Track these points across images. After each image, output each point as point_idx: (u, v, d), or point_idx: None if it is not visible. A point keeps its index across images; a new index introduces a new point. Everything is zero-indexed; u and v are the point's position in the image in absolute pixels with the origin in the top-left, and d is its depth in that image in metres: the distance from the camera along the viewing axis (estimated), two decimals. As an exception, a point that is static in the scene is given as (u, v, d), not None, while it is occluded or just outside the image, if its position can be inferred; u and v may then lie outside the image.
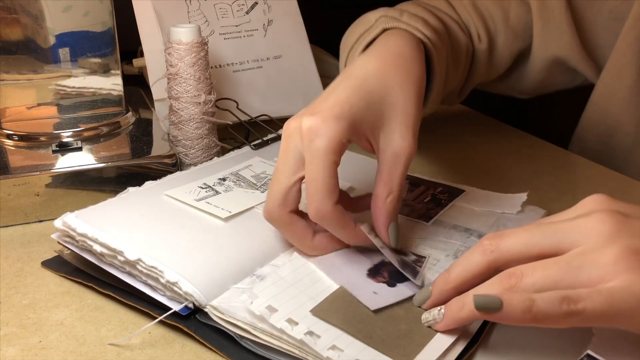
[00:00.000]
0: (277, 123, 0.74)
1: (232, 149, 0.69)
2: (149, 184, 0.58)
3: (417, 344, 0.40)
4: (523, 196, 0.59)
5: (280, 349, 0.40)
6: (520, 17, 0.80)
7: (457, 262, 0.42)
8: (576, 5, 0.79)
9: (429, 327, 0.42)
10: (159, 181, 0.59)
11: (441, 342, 0.41)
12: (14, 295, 0.49)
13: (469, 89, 0.83)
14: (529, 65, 0.83)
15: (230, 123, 0.74)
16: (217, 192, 0.56)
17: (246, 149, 0.68)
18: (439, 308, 0.41)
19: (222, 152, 0.71)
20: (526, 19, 0.80)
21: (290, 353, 0.40)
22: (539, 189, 0.68)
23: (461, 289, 0.41)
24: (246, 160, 0.64)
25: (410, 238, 0.52)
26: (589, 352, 0.41)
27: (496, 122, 0.89)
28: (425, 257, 0.49)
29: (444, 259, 0.50)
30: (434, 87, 0.67)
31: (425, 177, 0.64)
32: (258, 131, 0.72)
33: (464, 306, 0.40)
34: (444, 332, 0.42)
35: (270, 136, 0.71)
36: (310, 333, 0.40)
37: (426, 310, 0.43)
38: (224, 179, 0.59)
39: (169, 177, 0.60)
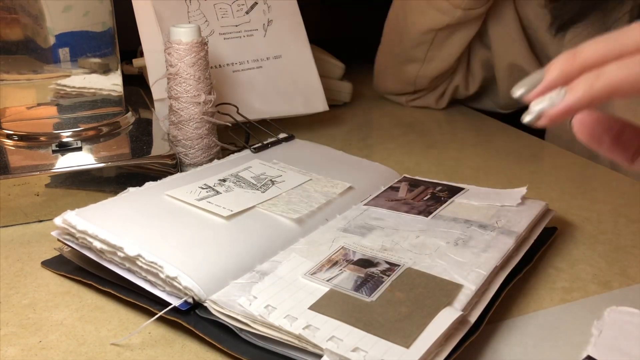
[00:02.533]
0: (276, 127, 0.74)
1: (233, 152, 0.69)
2: (149, 184, 0.58)
3: (417, 325, 0.40)
4: (523, 190, 0.59)
5: (280, 340, 0.40)
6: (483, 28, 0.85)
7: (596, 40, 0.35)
8: (523, 15, 0.80)
9: (537, 118, 0.34)
10: (159, 182, 0.59)
11: (442, 322, 0.41)
12: (14, 295, 0.49)
13: (449, 91, 0.87)
14: (497, 77, 0.86)
15: (230, 124, 0.74)
16: (217, 192, 0.56)
17: (246, 152, 0.68)
18: (558, 89, 0.34)
19: (222, 153, 0.71)
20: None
21: (290, 343, 0.40)
22: (539, 189, 0.68)
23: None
24: (246, 163, 0.64)
25: (409, 231, 0.52)
26: (589, 354, 0.41)
27: (496, 122, 0.89)
28: (399, 266, 0.47)
29: (445, 246, 0.50)
30: None
31: (424, 178, 0.64)
32: (258, 134, 0.72)
33: (599, 77, 0.32)
34: (443, 315, 0.41)
35: (270, 140, 0.71)
36: (309, 327, 0.40)
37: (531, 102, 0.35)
38: (224, 180, 0.59)
39: (169, 178, 0.60)
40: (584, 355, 0.41)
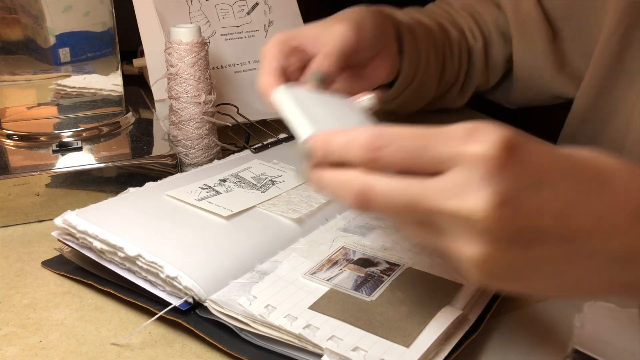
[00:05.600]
0: (276, 127, 0.74)
1: (233, 153, 0.69)
2: (149, 184, 0.58)
3: (417, 324, 0.40)
4: None
5: (280, 339, 0.40)
6: (507, 24, 0.82)
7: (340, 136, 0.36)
8: (552, 18, 0.80)
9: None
10: (159, 182, 0.59)
11: (442, 321, 0.41)
12: (14, 295, 0.49)
13: (470, 89, 0.85)
14: (513, 75, 0.85)
15: (230, 125, 0.74)
16: (217, 192, 0.56)
17: (246, 152, 0.68)
18: None
19: (222, 153, 0.70)
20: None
21: (290, 343, 0.40)
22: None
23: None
24: (246, 163, 0.64)
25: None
26: (576, 347, 0.41)
27: (497, 122, 0.89)
28: (399, 265, 0.47)
29: None
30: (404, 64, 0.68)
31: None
32: (258, 134, 0.72)
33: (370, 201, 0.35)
34: (443, 314, 0.41)
35: (270, 140, 0.71)
36: (309, 326, 0.40)
37: None
38: (224, 180, 0.59)
39: (169, 178, 0.60)
40: (570, 349, 0.41)
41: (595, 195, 0.34)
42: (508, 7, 0.82)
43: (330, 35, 0.54)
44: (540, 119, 0.86)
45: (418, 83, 0.74)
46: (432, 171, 0.33)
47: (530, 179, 0.32)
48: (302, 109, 0.42)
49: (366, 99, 0.49)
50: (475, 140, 0.32)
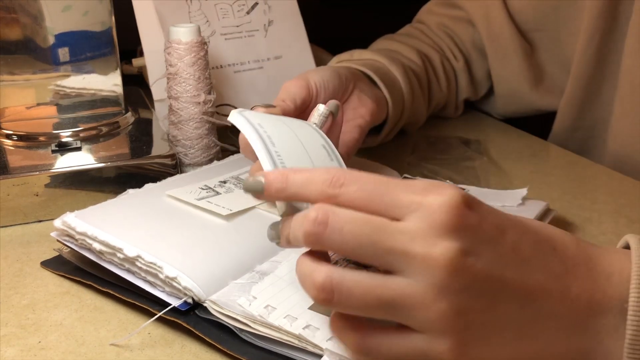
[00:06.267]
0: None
1: (233, 153, 0.69)
2: (148, 186, 0.58)
3: None
4: (523, 191, 0.59)
5: (280, 340, 0.40)
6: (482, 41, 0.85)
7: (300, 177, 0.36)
8: (525, 31, 0.82)
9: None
10: (158, 183, 0.59)
11: None
12: (13, 295, 0.49)
13: (460, 102, 0.88)
14: (494, 90, 0.88)
15: (230, 125, 0.73)
16: (218, 193, 0.56)
17: (246, 151, 0.68)
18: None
19: (222, 153, 0.70)
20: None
21: (290, 343, 0.40)
22: (540, 189, 0.67)
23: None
24: (246, 165, 0.64)
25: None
26: None
27: (496, 122, 0.89)
28: None
29: None
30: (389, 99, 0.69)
31: (425, 178, 0.64)
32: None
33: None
34: None
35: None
36: (309, 327, 0.40)
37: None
38: (224, 182, 0.59)
39: (169, 179, 0.60)
40: None
41: (549, 256, 0.35)
42: (481, 25, 0.83)
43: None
44: (531, 126, 0.87)
45: (408, 116, 0.76)
46: (389, 216, 0.33)
47: (488, 231, 0.33)
48: (256, 130, 0.45)
49: (315, 111, 0.51)
50: (435, 193, 0.33)
